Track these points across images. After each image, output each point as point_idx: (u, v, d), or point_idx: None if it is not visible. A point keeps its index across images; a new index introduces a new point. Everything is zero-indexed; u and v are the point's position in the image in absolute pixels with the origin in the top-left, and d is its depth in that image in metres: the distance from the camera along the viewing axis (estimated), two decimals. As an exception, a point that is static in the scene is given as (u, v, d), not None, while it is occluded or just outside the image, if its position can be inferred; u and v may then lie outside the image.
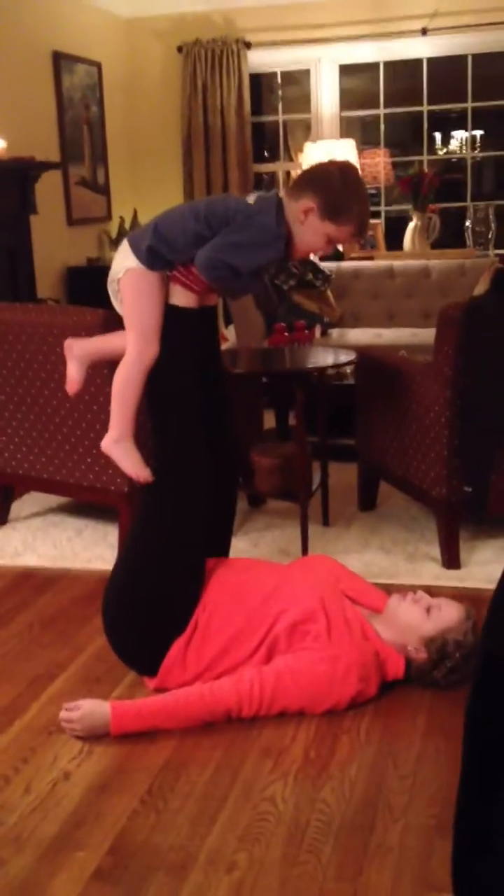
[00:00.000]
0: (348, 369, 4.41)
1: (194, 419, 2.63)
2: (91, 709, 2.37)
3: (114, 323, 3.33)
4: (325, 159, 6.19)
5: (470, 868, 1.23)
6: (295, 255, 2.59)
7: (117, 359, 2.66)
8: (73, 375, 2.79)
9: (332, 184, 2.48)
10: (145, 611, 2.56)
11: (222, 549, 2.88)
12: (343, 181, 2.49)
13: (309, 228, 2.50)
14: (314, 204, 2.46)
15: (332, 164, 2.60)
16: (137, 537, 2.68)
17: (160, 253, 2.52)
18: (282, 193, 2.55)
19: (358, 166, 6.36)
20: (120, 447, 2.65)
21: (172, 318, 2.58)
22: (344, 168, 2.56)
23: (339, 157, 6.11)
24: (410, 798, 2.10)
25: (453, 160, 8.05)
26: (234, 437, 2.88)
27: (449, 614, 2.50)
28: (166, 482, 2.63)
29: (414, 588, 2.68)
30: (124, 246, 2.60)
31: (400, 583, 3.19)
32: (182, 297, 2.58)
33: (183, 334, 2.60)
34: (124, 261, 2.58)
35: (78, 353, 2.79)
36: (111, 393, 2.66)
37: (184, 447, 2.62)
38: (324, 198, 2.46)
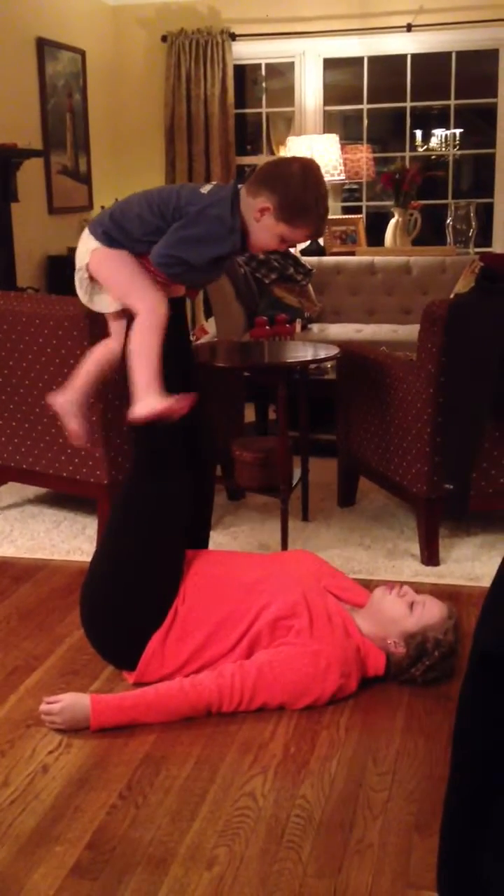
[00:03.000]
0: (329, 364, 4.41)
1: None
2: (72, 702, 2.36)
3: (95, 314, 3.31)
4: (296, 153, 6.22)
5: (459, 870, 1.23)
6: (251, 249, 2.54)
7: (112, 363, 2.63)
8: (75, 428, 2.66)
9: (291, 185, 2.40)
10: (123, 601, 2.55)
11: (201, 542, 2.87)
12: (303, 183, 2.41)
13: (263, 227, 2.44)
14: (270, 204, 2.40)
15: (293, 161, 2.50)
16: (116, 529, 2.67)
17: (117, 240, 2.50)
18: (240, 185, 2.48)
19: (341, 161, 6.39)
20: (159, 398, 2.46)
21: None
22: (305, 168, 2.45)
23: (320, 162, 6.15)
24: (390, 795, 2.10)
25: (433, 157, 8.06)
26: (209, 428, 2.85)
27: (432, 612, 2.51)
28: (146, 473, 2.62)
29: (398, 584, 2.68)
30: (85, 233, 2.56)
31: (379, 579, 3.20)
32: None
33: None
34: (87, 245, 2.54)
35: (68, 398, 2.64)
36: (133, 360, 2.49)
37: (157, 440, 2.60)
38: (280, 199, 2.39)
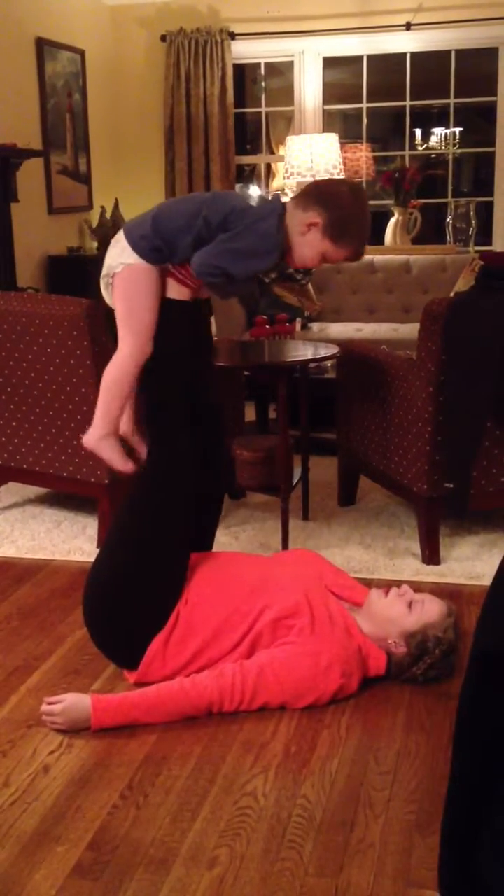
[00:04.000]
0: (329, 363, 4.41)
1: (184, 413, 2.61)
2: (73, 702, 2.36)
3: (95, 314, 3.32)
4: (305, 156, 6.21)
5: (460, 869, 1.23)
6: (290, 263, 2.58)
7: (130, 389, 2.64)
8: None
9: (342, 204, 2.47)
10: (126, 603, 2.55)
11: (206, 545, 2.87)
12: (353, 204, 2.49)
13: (307, 242, 2.49)
14: (320, 220, 2.46)
15: (343, 183, 2.61)
16: (121, 529, 2.66)
17: (163, 251, 2.50)
18: (286, 200, 2.53)
19: (340, 160, 6.38)
20: (106, 443, 2.65)
21: (168, 311, 2.57)
22: (355, 191, 2.57)
23: (319, 161, 6.16)
24: (391, 794, 2.10)
25: (433, 156, 8.06)
26: (225, 432, 2.88)
27: (431, 610, 2.51)
28: (153, 474, 2.63)
29: (397, 583, 2.68)
30: (121, 239, 2.54)
31: (380, 578, 3.20)
32: (177, 292, 2.57)
33: (178, 328, 2.59)
34: (121, 255, 2.53)
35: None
36: (100, 389, 2.63)
37: (172, 441, 2.61)
38: (331, 216, 2.45)
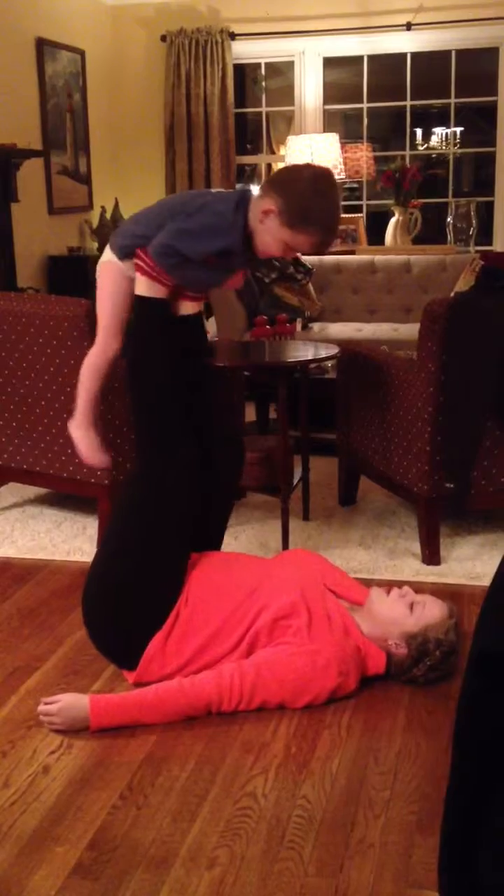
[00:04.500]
0: (330, 363, 4.41)
1: (174, 411, 2.61)
2: (70, 702, 2.35)
3: (95, 314, 3.31)
4: (305, 156, 6.22)
5: (460, 869, 1.23)
6: (255, 253, 2.52)
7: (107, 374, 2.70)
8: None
9: (298, 190, 2.38)
10: (125, 603, 2.55)
11: (215, 543, 2.88)
12: (312, 189, 2.38)
13: (266, 230, 2.42)
14: (274, 207, 2.38)
15: (306, 168, 2.49)
16: (119, 529, 2.66)
17: (129, 246, 2.56)
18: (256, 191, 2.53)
19: (341, 160, 6.38)
20: (78, 433, 2.73)
21: (142, 308, 2.58)
22: (317, 176, 2.42)
23: (320, 161, 6.16)
24: (391, 794, 2.10)
25: (433, 156, 8.07)
26: (234, 434, 2.88)
27: (432, 611, 2.51)
28: (148, 475, 2.63)
29: (397, 584, 2.68)
30: (111, 238, 2.65)
31: (380, 578, 3.20)
32: (147, 288, 2.56)
33: (151, 325, 2.60)
34: (106, 253, 2.63)
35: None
36: (78, 383, 2.73)
37: (165, 442, 2.61)
38: (285, 203, 2.37)
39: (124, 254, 2.58)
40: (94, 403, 2.71)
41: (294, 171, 2.52)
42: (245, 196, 2.46)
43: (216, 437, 2.77)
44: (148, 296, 2.57)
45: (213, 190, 2.57)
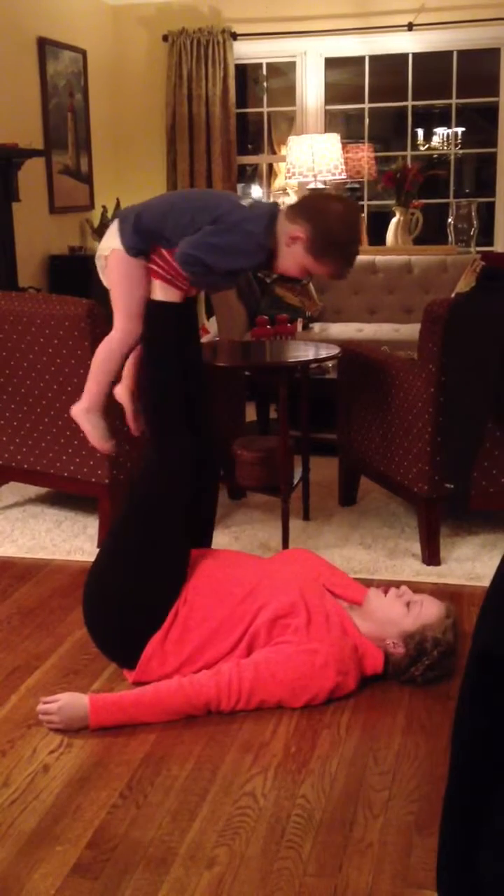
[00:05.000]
0: (330, 364, 4.41)
1: (178, 413, 2.62)
2: (69, 701, 2.36)
3: (97, 314, 3.32)
4: (307, 156, 6.21)
5: (459, 869, 1.23)
6: (275, 269, 2.60)
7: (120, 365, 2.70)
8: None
9: (328, 222, 2.46)
10: (126, 601, 2.55)
11: (204, 541, 2.88)
12: (340, 224, 2.47)
13: (290, 253, 2.50)
14: (303, 234, 2.46)
15: (338, 200, 2.60)
16: (122, 528, 2.67)
17: (140, 246, 2.55)
18: (282, 206, 2.55)
19: (342, 161, 6.39)
20: (89, 417, 2.73)
21: (156, 313, 2.59)
22: (347, 209, 2.53)
23: (321, 161, 6.16)
24: (390, 794, 2.10)
25: (434, 156, 8.07)
26: (213, 428, 2.89)
27: (429, 611, 2.51)
28: (154, 473, 2.64)
29: (396, 584, 2.68)
30: (114, 224, 2.62)
31: (380, 578, 3.20)
32: (164, 293, 2.59)
33: (166, 330, 2.62)
34: (112, 240, 2.60)
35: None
36: (92, 366, 2.71)
37: (170, 441, 2.62)
38: (315, 233, 2.45)
39: (136, 252, 2.56)
40: (107, 391, 2.71)
41: (324, 200, 2.60)
42: (274, 215, 2.50)
43: (205, 433, 2.78)
44: (165, 301, 2.59)
45: (242, 201, 2.57)
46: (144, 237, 2.55)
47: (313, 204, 2.55)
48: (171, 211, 2.54)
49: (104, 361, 2.67)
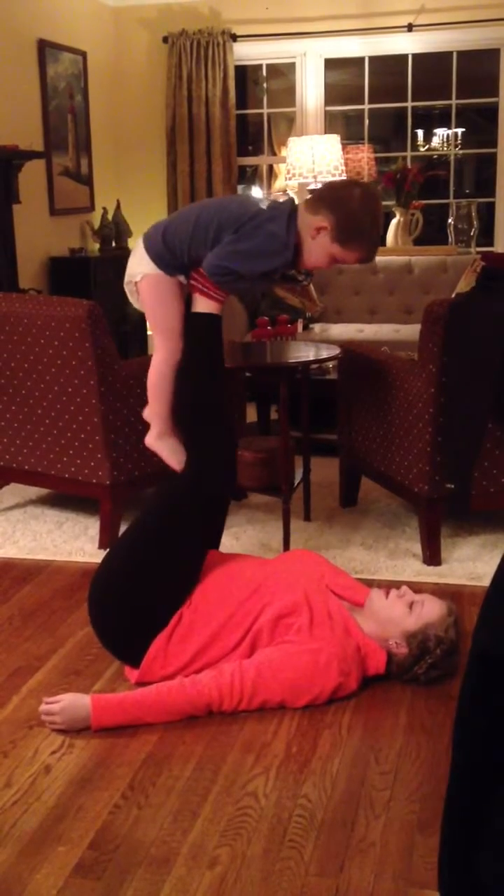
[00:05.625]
0: (331, 364, 4.41)
1: (217, 417, 2.67)
2: (72, 702, 2.36)
3: (97, 315, 3.32)
4: (307, 157, 6.22)
5: (460, 869, 1.24)
6: (301, 265, 2.61)
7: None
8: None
9: (351, 208, 2.49)
10: (137, 604, 2.55)
11: (216, 543, 2.89)
12: (363, 207, 2.50)
13: (317, 245, 2.52)
14: (328, 224, 2.49)
15: (356, 185, 2.62)
16: (146, 531, 2.66)
17: (172, 263, 2.57)
18: (298, 201, 2.57)
19: (342, 162, 6.39)
20: (164, 443, 2.73)
21: (199, 325, 2.62)
22: (366, 193, 2.56)
23: (321, 161, 6.17)
24: (392, 794, 2.11)
25: (435, 157, 8.07)
26: (235, 435, 2.92)
27: (431, 610, 2.51)
28: (191, 478, 2.68)
29: (397, 584, 2.69)
30: (139, 247, 2.63)
31: (381, 578, 3.20)
32: (204, 305, 2.63)
33: (209, 340, 2.66)
34: (139, 265, 2.62)
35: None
36: (149, 393, 2.72)
37: (209, 446, 2.66)
38: (338, 220, 2.48)
39: (174, 271, 2.58)
40: (169, 412, 2.71)
41: (344, 188, 2.61)
42: (293, 211, 2.52)
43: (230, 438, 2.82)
44: (206, 312, 2.62)
45: (261, 202, 2.59)
46: (176, 256, 2.57)
47: (333, 192, 2.57)
48: (195, 227, 2.55)
49: (158, 384, 2.69)
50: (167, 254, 2.57)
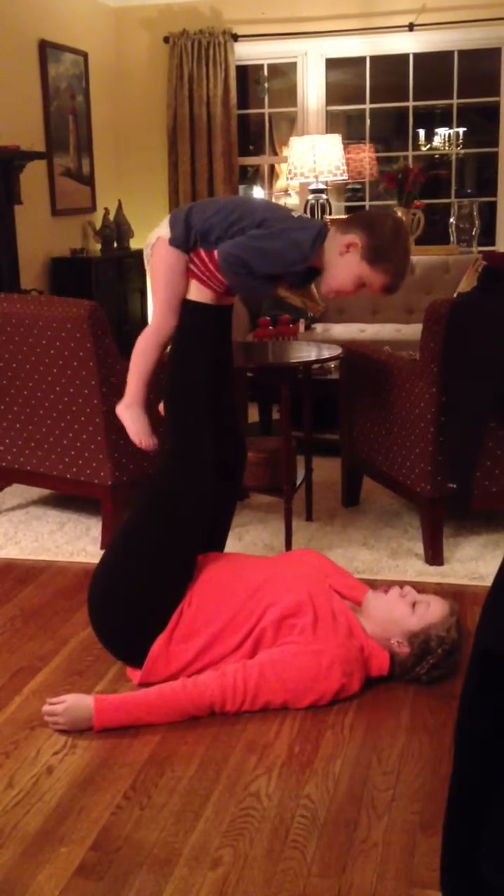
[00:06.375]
0: (333, 364, 4.41)
1: (201, 415, 2.64)
2: (74, 702, 2.36)
3: (98, 315, 3.32)
4: (308, 157, 6.22)
5: (462, 869, 1.23)
6: (324, 288, 2.60)
7: (155, 366, 2.71)
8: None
9: (384, 231, 2.51)
10: (135, 601, 2.55)
11: (220, 544, 2.88)
12: (394, 233, 2.52)
13: (345, 263, 2.51)
14: (359, 241, 2.48)
15: (388, 216, 2.65)
16: (133, 528, 2.66)
17: (187, 238, 2.57)
18: (331, 226, 2.57)
19: (343, 161, 6.39)
20: (130, 412, 2.73)
21: (188, 313, 2.60)
22: (398, 223, 2.60)
23: (323, 161, 6.18)
24: (394, 794, 2.10)
25: (436, 157, 8.07)
26: (241, 434, 2.90)
27: (434, 610, 2.51)
28: (171, 473, 2.64)
29: (399, 584, 2.68)
30: (166, 217, 2.64)
31: (383, 578, 3.20)
32: (198, 294, 2.61)
33: (196, 330, 2.63)
34: (160, 228, 2.62)
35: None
36: (132, 360, 2.72)
37: (189, 442, 2.63)
38: (371, 240, 2.48)
39: (178, 244, 2.58)
40: (147, 384, 2.71)
41: (377, 215, 2.69)
42: (322, 232, 2.52)
43: (232, 438, 2.80)
44: (198, 301, 2.61)
45: (292, 213, 2.62)
46: (191, 232, 2.56)
47: (367, 215, 2.65)
48: (220, 210, 2.56)
49: (141, 353, 2.69)
50: (181, 226, 2.56)
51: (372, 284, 2.53)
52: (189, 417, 2.64)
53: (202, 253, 2.57)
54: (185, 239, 2.57)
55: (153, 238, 2.63)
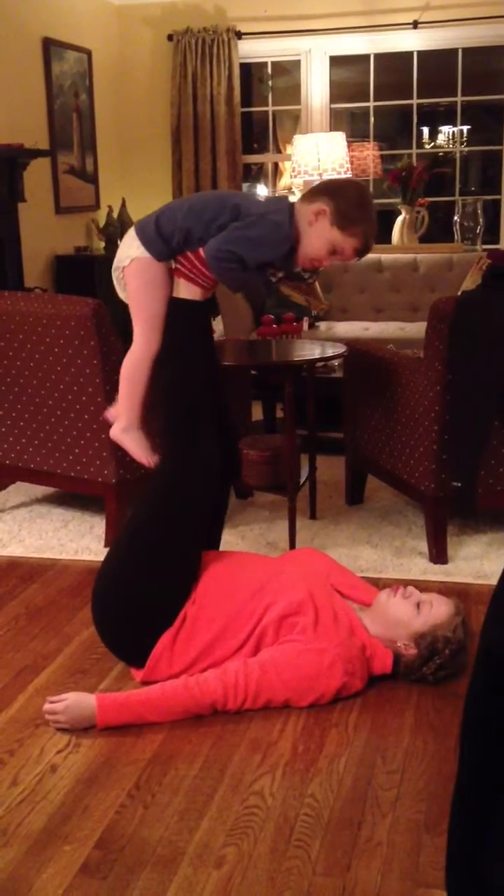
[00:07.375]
0: (336, 362, 4.40)
1: (198, 412, 2.63)
2: (76, 701, 2.36)
3: (102, 313, 3.32)
4: (312, 155, 6.22)
5: (467, 868, 1.23)
6: (298, 260, 2.61)
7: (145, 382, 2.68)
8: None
9: (348, 195, 2.54)
10: (136, 601, 2.55)
11: (213, 543, 2.88)
12: (358, 197, 2.56)
13: (315, 232, 2.53)
14: (327, 208, 2.51)
15: (350, 180, 2.73)
16: (136, 527, 2.66)
17: (165, 246, 2.55)
18: (294, 200, 2.59)
19: (347, 159, 6.38)
20: (129, 436, 2.72)
21: (179, 310, 2.60)
22: (361, 187, 2.68)
23: (326, 160, 6.18)
24: (399, 793, 2.10)
25: (440, 154, 8.05)
26: (232, 428, 2.89)
27: (439, 610, 2.51)
28: (171, 474, 2.64)
29: (403, 583, 2.68)
30: (130, 233, 2.61)
31: (387, 577, 3.20)
32: (187, 291, 2.60)
33: (189, 327, 2.62)
34: (129, 249, 2.59)
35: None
36: (119, 382, 2.70)
37: (188, 440, 2.62)
38: (337, 205, 2.51)
39: (166, 256, 2.57)
40: (141, 406, 2.69)
41: (340, 181, 2.75)
42: (292, 206, 2.55)
43: (223, 436, 2.78)
44: (188, 298, 2.59)
45: (257, 197, 2.67)
46: (171, 241, 2.55)
47: (329, 183, 2.65)
48: (189, 212, 2.54)
49: (132, 375, 2.66)
50: (159, 240, 2.55)
51: (344, 250, 2.56)
52: (189, 415, 2.63)
53: (188, 253, 2.56)
54: (169, 250, 2.56)
55: (125, 261, 2.59)
